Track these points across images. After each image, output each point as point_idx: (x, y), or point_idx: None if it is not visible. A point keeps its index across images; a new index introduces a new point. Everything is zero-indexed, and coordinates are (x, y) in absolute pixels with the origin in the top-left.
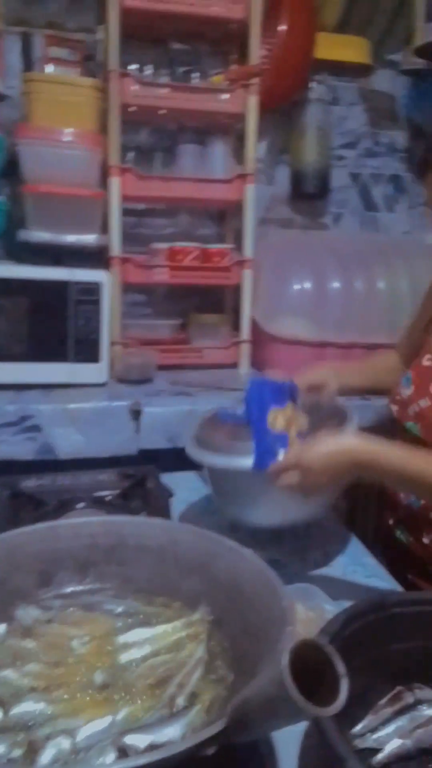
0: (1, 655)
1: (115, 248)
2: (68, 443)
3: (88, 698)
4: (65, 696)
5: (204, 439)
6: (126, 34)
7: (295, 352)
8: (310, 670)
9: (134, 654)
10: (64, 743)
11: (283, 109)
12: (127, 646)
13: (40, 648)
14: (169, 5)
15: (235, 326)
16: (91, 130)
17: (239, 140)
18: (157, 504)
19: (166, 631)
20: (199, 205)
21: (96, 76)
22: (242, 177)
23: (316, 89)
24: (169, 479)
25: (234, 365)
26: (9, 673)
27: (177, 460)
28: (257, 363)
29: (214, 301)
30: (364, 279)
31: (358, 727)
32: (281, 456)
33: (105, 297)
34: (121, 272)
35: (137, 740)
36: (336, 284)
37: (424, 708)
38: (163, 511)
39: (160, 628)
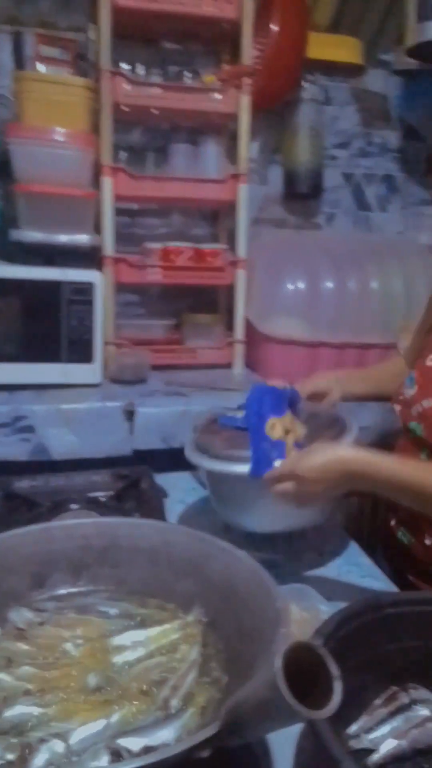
0: None
1: (108, 248)
2: (62, 444)
3: (81, 701)
4: (59, 698)
5: (203, 444)
6: (118, 33)
7: (289, 351)
8: (305, 672)
9: (128, 656)
10: (58, 746)
11: (275, 109)
12: (121, 649)
13: (33, 650)
14: (161, 4)
15: (229, 326)
16: (83, 130)
17: (232, 140)
18: (152, 504)
19: (160, 633)
20: (192, 205)
21: (88, 75)
22: (235, 177)
23: (309, 89)
24: (163, 480)
25: (228, 365)
26: (2, 676)
27: (171, 460)
28: (251, 363)
29: (208, 301)
30: (357, 279)
31: (353, 728)
32: (277, 464)
33: (98, 297)
34: (114, 272)
35: (131, 743)
36: (329, 284)
37: (419, 708)
38: (158, 512)
39: (154, 630)
